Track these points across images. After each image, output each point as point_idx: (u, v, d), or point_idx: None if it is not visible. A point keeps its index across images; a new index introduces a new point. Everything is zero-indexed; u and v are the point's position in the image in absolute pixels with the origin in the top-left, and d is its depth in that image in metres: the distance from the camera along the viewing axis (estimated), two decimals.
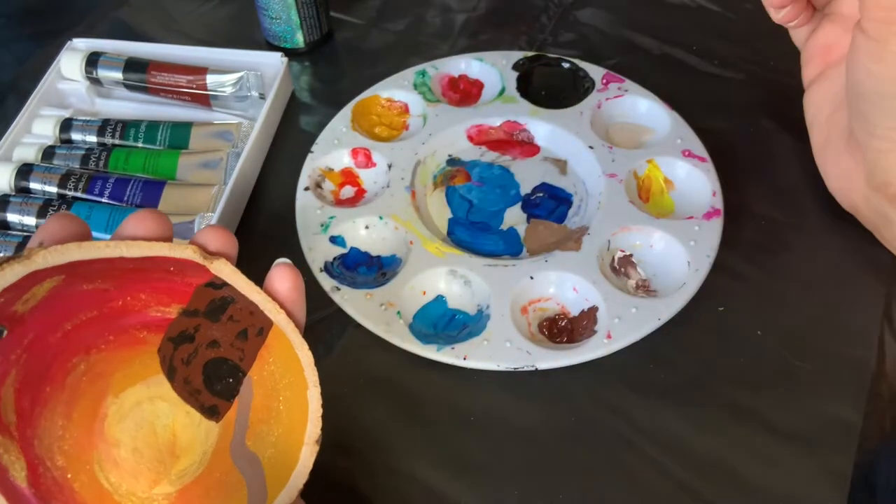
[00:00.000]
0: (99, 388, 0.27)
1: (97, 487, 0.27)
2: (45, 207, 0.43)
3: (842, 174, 0.40)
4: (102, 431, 0.27)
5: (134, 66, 0.50)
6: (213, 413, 0.28)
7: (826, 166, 0.42)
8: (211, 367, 0.28)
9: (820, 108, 0.41)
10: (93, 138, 0.48)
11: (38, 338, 0.26)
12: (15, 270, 0.23)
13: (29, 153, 0.46)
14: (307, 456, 0.27)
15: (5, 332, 0.24)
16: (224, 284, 0.27)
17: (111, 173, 0.46)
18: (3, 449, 0.24)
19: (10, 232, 0.43)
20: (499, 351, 0.37)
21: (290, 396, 0.28)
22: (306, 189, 0.45)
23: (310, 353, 0.27)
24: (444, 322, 0.40)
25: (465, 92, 0.51)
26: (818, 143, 0.42)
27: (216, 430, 0.28)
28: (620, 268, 0.41)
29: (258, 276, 0.28)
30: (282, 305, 0.27)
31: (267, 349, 0.28)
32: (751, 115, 0.49)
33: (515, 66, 0.51)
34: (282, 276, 0.27)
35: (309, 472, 0.27)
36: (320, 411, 0.27)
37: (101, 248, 0.25)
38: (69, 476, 0.26)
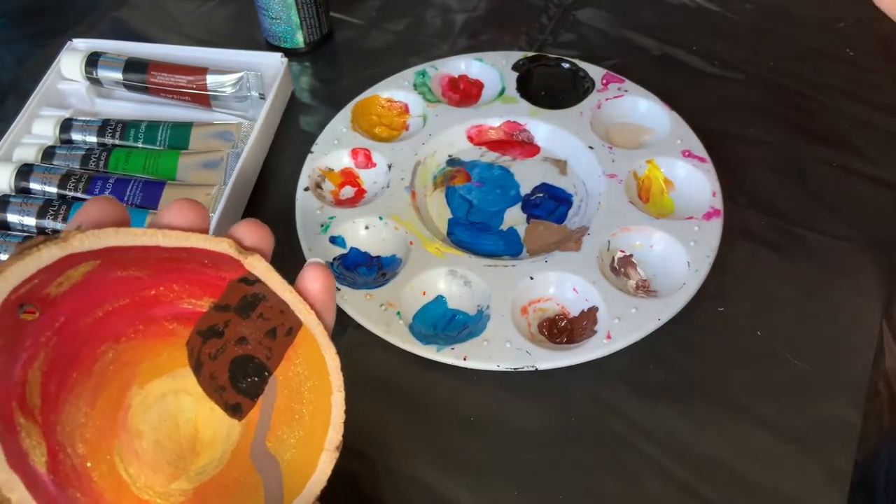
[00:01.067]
0: (125, 378, 0.27)
1: (116, 478, 0.26)
2: (45, 208, 0.43)
3: None
4: (125, 422, 0.27)
5: (134, 66, 0.50)
6: (236, 411, 0.28)
7: None
8: (237, 364, 0.28)
9: None
10: (93, 138, 0.48)
11: (68, 322, 0.25)
12: (51, 252, 0.23)
13: (29, 153, 0.46)
14: (326, 462, 0.26)
15: (37, 314, 0.24)
16: (257, 281, 0.26)
17: (111, 174, 0.46)
18: (25, 433, 0.24)
19: (10, 232, 0.43)
20: (499, 351, 0.37)
21: (314, 400, 0.27)
22: (306, 189, 0.45)
23: (337, 357, 0.27)
24: (444, 322, 0.40)
25: (465, 92, 0.51)
26: None
27: (238, 429, 0.28)
28: (620, 268, 0.41)
29: None
30: (312, 306, 0.27)
31: (294, 350, 0.28)
32: (751, 115, 0.49)
33: (515, 67, 0.51)
34: (314, 276, 0.27)
35: (327, 478, 0.27)
36: (343, 417, 0.27)
37: (138, 235, 0.24)
38: (89, 464, 0.26)
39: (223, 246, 0.25)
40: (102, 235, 0.24)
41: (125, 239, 0.24)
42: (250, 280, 0.26)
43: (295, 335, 0.27)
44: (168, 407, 0.28)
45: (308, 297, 0.27)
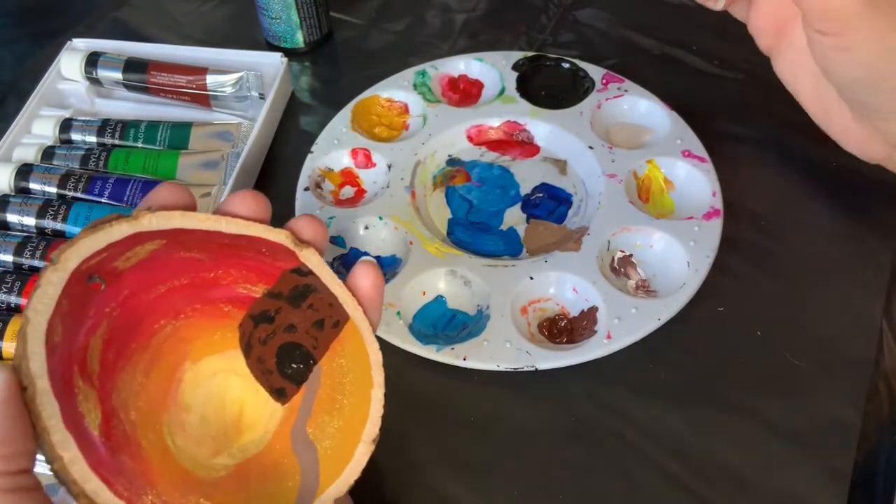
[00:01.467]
0: (180, 353, 0.28)
1: (162, 447, 0.27)
2: (45, 208, 0.43)
3: (856, 142, 0.39)
4: (176, 395, 0.28)
5: (134, 66, 0.50)
6: (280, 395, 0.29)
7: (836, 135, 0.40)
8: (285, 351, 0.29)
9: (797, 79, 0.39)
10: (93, 138, 0.48)
11: (132, 295, 0.27)
12: (122, 229, 0.25)
13: (29, 153, 0.46)
14: (362, 454, 0.27)
15: (104, 286, 0.25)
16: (309, 273, 0.28)
17: (111, 173, 0.45)
18: (83, 396, 0.25)
19: (9, 232, 0.43)
20: (499, 351, 0.37)
21: (355, 392, 0.28)
22: (306, 189, 0.45)
23: (380, 354, 0.28)
24: (443, 322, 0.40)
25: (464, 92, 0.51)
26: (816, 115, 0.40)
27: (280, 413, 0.29)
28: (620, 268, 0.41)
29: None
30: (359, 302, 0.28)
31: (340, 342, 0.29)
32: (751, 115, 0.49)
33: (515, 67, 0.51)
34: (364, 273, 0.28)
35: (361, 469, 0.27)
36: (381, 412, 0.28)
37: (203, 220, 0.26)
38: (139, 432, 0.27)
39: (281, 237, 0.27)
40: (170, 217, 0.26)
41: (190, 222, 0.26)
42: (303, 271, 0.28)
43: (341, 328, 0.28)
44: (217, 385, 0.29)
45: (357, 293, 0.28)
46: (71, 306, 0.24)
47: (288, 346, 0.29)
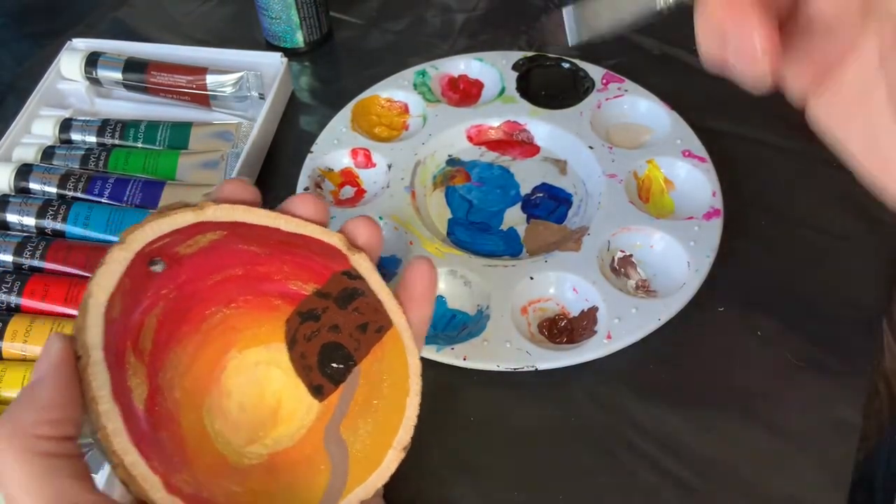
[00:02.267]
0: (227, 340, 0.29)
1: (201, 429, 0.28)
2: (45, 208, 0.43)
3: None
4: (219, 380, 0.29)
5: (134, 66, 0.50)
6: (318, 392, 0.30)
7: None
8: (327, 349, 0.30)
9: (847, 126, 0.32)
10: (92, 138, 0.48)
11: (189, 281, 0.28)
12: (186, 217, 0.26)
13: (28, 153, 0.46)
14: (391, 459, 0.28)
15: (164, 268, 0.26)
16: (359, 277, 0.29)
17: (111, 173, 0.45)
18: (132, 371, 0.26)
19: (9, 232, 0.43)
20: (499, 351, 0.37)
21: (391, 397, 0.29)
22: (306, 189, 0.45)
23: (419, 363, 0.29)
24: (443, 322, 0.40)
25: (464, 92, 0.51)
26: (870, 167, 0.31)
27: (316, 409, 0.30)
28: (620, 268, 0.41)
29: None
30: (410, 301, 0.29)
31: (381, 347, 0.29)
32: (751, 115, 0.49)
33: (515, 66, 0.51)
34: (420, 274, 0.29)
35: (390, 475, 0.28)
36: (415, 421, 0.28)
37: (263, 216, 0.27)
38: (181, 411, 0.27)
39: (335, 240, 0.28)
40: (232, 210, 0.27)
41: (251, 217, 0.27)
42: (353, 275, 0.29)
43: (384, 334, 0.29)
44: (259, 375, 0.30)
45: (409, 292, 0.29)
46: (131, 285, 0.25)
47: (331, 345, 0.30)
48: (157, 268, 0.27)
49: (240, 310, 0.29)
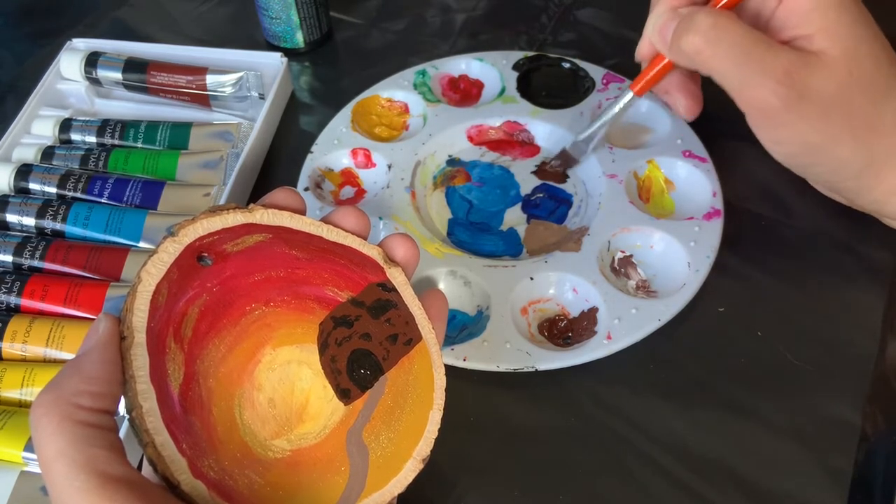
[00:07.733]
0: (263, 337, 0.31)
1: (230, 418, 0.29)
2: (45, 208, 0.43)
3: (873, 210, 0.40)
4: (252, 373, 0.30)
5: (133, 66, 0.50)
6: (345, 395, 0.31)
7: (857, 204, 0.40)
8: (357, 356, 0.31)
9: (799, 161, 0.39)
10: (92, 139, 0.48)
11: (232, 277, 0.29)
12: (236, 217, 0.27)
13: (28, 153, 0.46)
14: (410, 469, 0.29)
15: (211, 263, 0.28)
16: (393, 290, 0.30)
17: (111, 174, 0.45)
18: (171, 356, 0.27)
19: (9, 232, 0.43)
20: (498, 352, 0.37)
21: (414, 409, 0.30)
22: (306, 189, 0.45)
23: (444, 378, 0.30)
24: None
25: (465, 92, 0.51)
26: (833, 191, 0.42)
27: (341, 411, 0.31)
28: (620, 268, 0.41)
29: None
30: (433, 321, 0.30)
31: (409, 359, 0.30)
32: None
33: (515, 66, 0.51)
34: (436, 296, 0.31)
35: (407, 485, 0.29)
36: (436, 434, 0.29)
37: (308, 224, 0.29)
38: (213, 399, 0.29)
39: (373, 253, 0.30)
40: (280, 216, 0.28)
41: (297, 223, 0.29)
42: (388, 287, 0.30)
43: (413, 346, 0.30)
44: (289, 373, 0.31)
45: (429, 312, 0.30)
46: (179, 275, 0.27)
47: (361, 352, 0.31)
48: (205, 262, 0.28)
49: (277, 309, 0.31)
